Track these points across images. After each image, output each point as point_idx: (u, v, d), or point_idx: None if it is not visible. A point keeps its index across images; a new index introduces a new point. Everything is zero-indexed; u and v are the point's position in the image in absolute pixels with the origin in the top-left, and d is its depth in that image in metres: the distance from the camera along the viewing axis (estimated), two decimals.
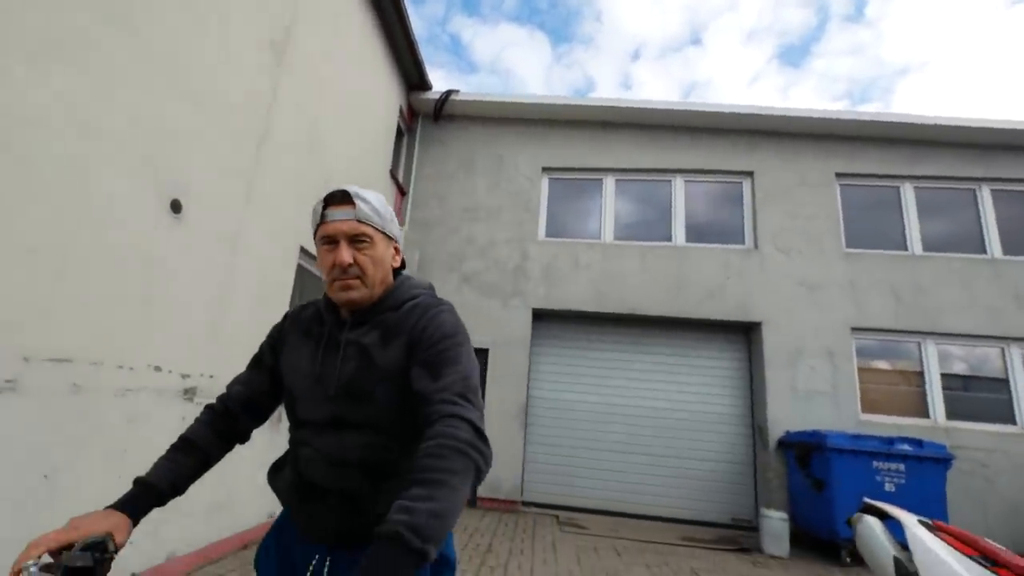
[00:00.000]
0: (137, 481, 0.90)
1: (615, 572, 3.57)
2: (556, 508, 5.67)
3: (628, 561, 3.90)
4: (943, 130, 5.96)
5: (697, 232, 6.30)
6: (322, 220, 0.98)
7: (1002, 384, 5.50)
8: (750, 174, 6.32)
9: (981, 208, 6.05)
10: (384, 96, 5.85)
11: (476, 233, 6.35)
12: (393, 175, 6.22)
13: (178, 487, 0.96)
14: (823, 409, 5.40)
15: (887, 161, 6.16)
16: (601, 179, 6.61)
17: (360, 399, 0.94)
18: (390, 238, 1.03)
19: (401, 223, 6.39)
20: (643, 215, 6.53)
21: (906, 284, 5.72)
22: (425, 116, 6.87)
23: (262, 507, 3.61)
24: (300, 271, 4.26)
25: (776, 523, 4.62)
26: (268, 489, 3.91)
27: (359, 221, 0.96)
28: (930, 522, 1.45)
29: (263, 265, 3.55)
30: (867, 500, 1.62)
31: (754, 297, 5.82)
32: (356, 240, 0.97)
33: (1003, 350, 5.55)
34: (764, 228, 6.06)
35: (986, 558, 1.28)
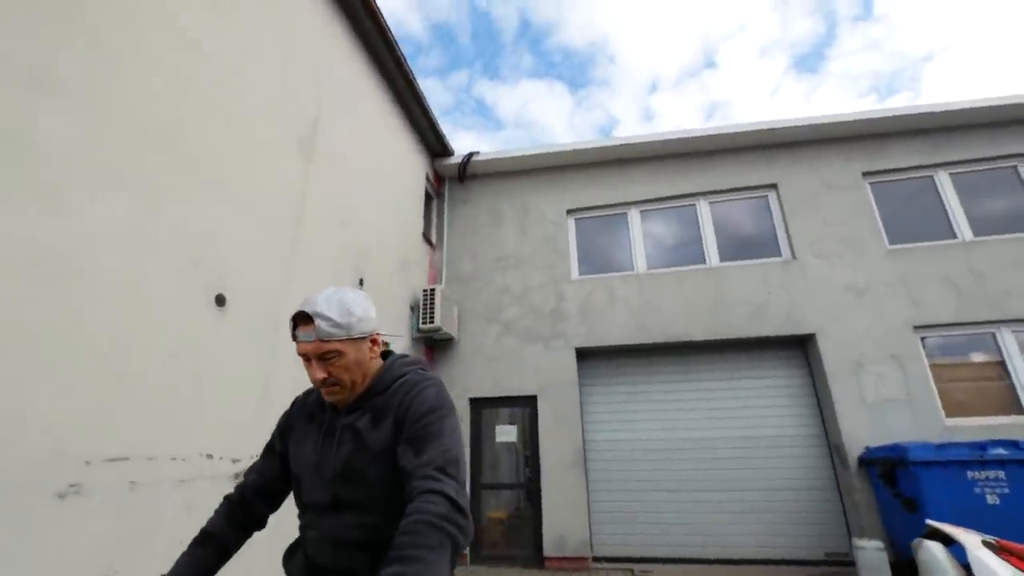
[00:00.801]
0: None
1: None
2: (629, 561, 5.34)
3: None
4: (967, 113, 5.84)
5: (731, 250, 6.24)
6: (293, 339, 1.05)
7: None
8: (774, 186, 6.30)
9: None
10: (410, 167, 6.26)
11: (510, 281, 6.51)
12: (426, 237, 6.53)
13: None
14: (901, 418, 5.04)
15: (913, 153, 6.03)
16: (625, 212, 6.73)
17: (354, 481, 0.99)
18: (361, 339, 1.06)
19: (436, 281, 6.63)
20: (674, 241, 6.55)
21: (963, 273, 5.43)
22: (451, 179, 7.27)
23: None
24: None
25: (872, 554, 4.23)
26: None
27: (321, 340, 1.01)
28: (994, 542, 1.36)
29: None
30: (930, 523, 1.53)
31: (801, 308, 5.64)
32: (323, 357, 1.02)
33: None
34: (799, 237, 5.96)
35: None
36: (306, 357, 1.04)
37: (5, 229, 1.88)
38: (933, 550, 1.49)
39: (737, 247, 6.25)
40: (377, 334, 1.11)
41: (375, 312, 1.12)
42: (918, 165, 6.02)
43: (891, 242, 5.80)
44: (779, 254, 6.06)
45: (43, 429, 1.94)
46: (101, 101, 2.32)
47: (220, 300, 2.94)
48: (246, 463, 3.00)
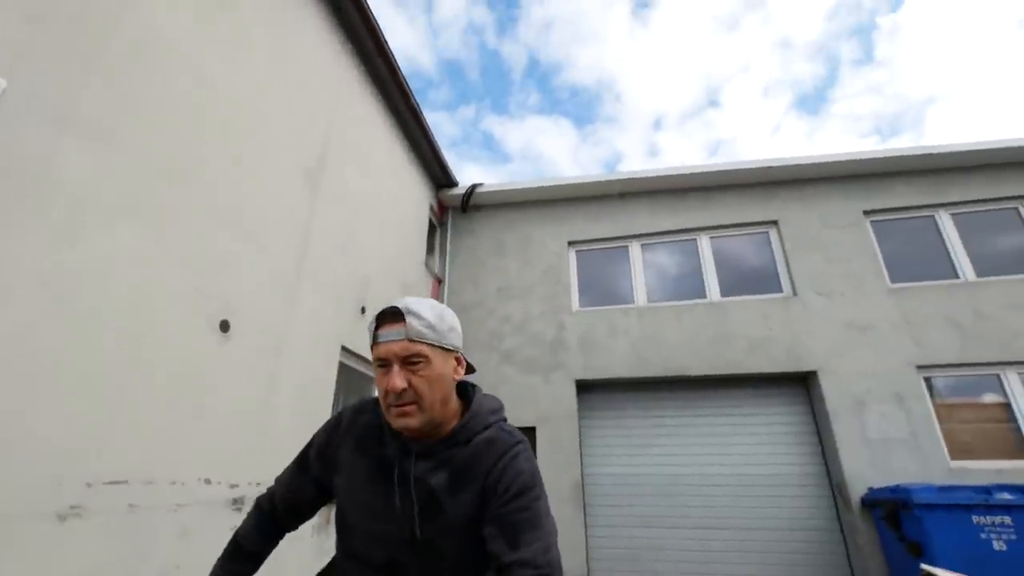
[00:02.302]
0: None
1: None
2: None
3: None
4: (967, 155, 5.90)
5: (732, 285, 6.27)
6: (374, 341, 0.91)
7: None
8: (775, 223, 6.37)
9: None
10: (414, 197, 6.43)
11: (511, 311, 6.57)
12: (428, 266, 6.64)
13: None
14: (905, 459, 4.96)
15: (915, 193, 6.09)
16: (627, 246, 6.81)
17: (425, 552, 0.88)
18: (449, 350, 0.94)
19: None
20: (674, 274, 6.60)
21: (966, 313, 5.41)
22: (455, 209, 7.43)
23: None
24: (342, 368, 4.51)
25: None
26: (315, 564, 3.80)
27: (411, 340, 0.89)
28: None
29: (305, 368, 3.79)
30: (924, 567, 1.54)
31: (802, 345, 5.62)
32: (409, 362, 0.89)
33: None
34: (800, 274, 5.98)
35: None
36: (385, 362, 0.90)
37: (17, 255, 1.96)
38: None
39: (738, 282, 6.28)
40: (462, 355, 0.98)
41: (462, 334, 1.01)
42: (919, 205, 6.06)
43: (893, 280, 5.80)
44: (780, 290, 6.08)
45: (47, 451, 2.00)
46: (119, 136, 2.44)
47: (224, 326, 3.01)
48: (244, 489, 3.03)
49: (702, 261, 6.47)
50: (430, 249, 7.06)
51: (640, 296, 6.46)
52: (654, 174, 6.64)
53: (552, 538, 0.85)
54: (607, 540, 5.52)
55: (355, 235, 4.77)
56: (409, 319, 0.89)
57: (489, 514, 0.85)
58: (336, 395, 4.30)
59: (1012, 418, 5.05)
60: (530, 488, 0.87)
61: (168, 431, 2.56)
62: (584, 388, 6.15)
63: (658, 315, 6.16)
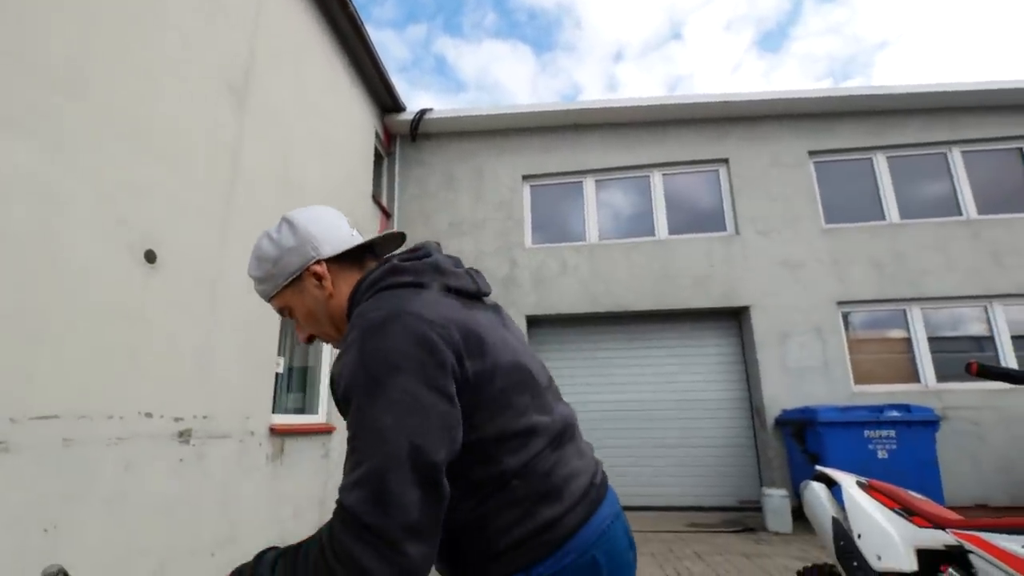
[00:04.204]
0: None
1: None
2: None
3: None
4: (907, 98, 6.07)
5: (679, 223, 6.44)
6: None
7: (988, 342, 5.64)
8: (725, 161, 6.45)
9: (954, 171, 6.16)
10: (358, 123, 5.99)
11: (464, 247, 6.50)
12: (376, 200, 6.37)
13: None
14: (816, 384, 5.54)
15: (857, 134, 6.27)
16: (581, 182, 6.75)
17: None
18: (295, 280, 0.85)
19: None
20: (626, 212, 6.67)
21: (887, 253, 5.85)
22: (403, 137, 7.01)
23: (271, 538, 3.77)
24: None
25: (777, 500, 4.78)
26: (275, 520, 4.09)
27: (269, 300, 0.88)
28: (865, 482, 1.60)
29: (247, 304, 3.67)
30: (818, 468, 1.79)
31: (740, 282, 5.96)
32: (285, 314, 0.89)
33: (986, 308, 5.68)
34: (744, 213, 6.19)
35: (906, 509, 1.44)
36: None
37: None
38: (816, 490, 1.76)
39: (685, 220, 6.44)
40: (316, 263, 0.83)
41: (306, 234, 0.84)
42: (860, 147, 6.27)
43: (827, 221, 6.12)
44: (724, 229, 6.30)
45: None
46: None
47: (150, 257, 2.86)
48: (190, 421, 3.06)
49: (653, 199, 6.54)
50: (377, 181, 6.72)
51: (592, 233, 6.53)
52: (610, 105, 6.46)
53: (366, 462, 0.60)
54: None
55: (291, 161, 4.46)
56: (255, 285, 0.89)
57: None
58: (281, 332, 4.23)
59: (910, 349, 5.69)
60: (351, 386, 0.65)
61: (99, 366, 2.49)
62: (535, 323, 6.34)
63: (608, 253, 6.29)
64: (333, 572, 0.58)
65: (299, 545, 0.67)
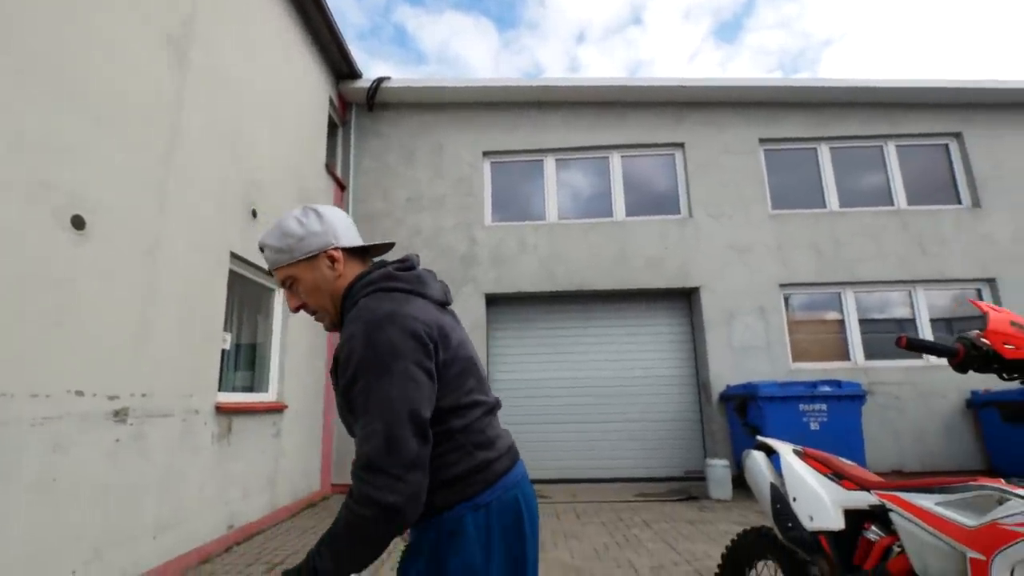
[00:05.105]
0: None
1: (573, 533, 3.89)
2: None
3: (586, 521, 4.24)
4: (850, 91, 6.38)
5: (636, 206, 6.56)
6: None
7: (910, 324, 6.14)
8: (681, 146, 6.59)
9: (888, 163, 6.57)
10: (311, 88, 5.68)
11: (422, 223, 6.37)
12: (330, 170, 6.10)
13: None
14: (758, 362, 5.87)
15: (805, 125, 6.55)
16: (541, 160, 6.72)
17: (349, 427, 0.95)
18: (313, 258, 1.00)
19: None
20: (585, 192, 6.72)
21: (826, 240, 6.21)
22: (359, 107, 6.72)
23: (219, 520, 3.65)
24: (235, 278, 4.20)
25: (719, 470, 5.08)
26: (223, 501, 3.98)
27: (276, 269, 1.01)
28: (801, 450, 1.72)
29: (189, 276, 3.49)
30: (758, 438, 1.88)
31: (691, 264, 6.17)
32: (287, 285, 1.02)
33: (910, 293, 6.17)
34: (697, 197, 6.38)
35: (836, 474, 1.55)
36: (282, 287, 1.05)
37: None
38: (756, 458, 1.86)
39: (642, 203, 6.57)
40: (334, 248, 1.01)
41: (331, 224, 1.02)
42: (806, 137, 6.57)
43: (773, 207, 6.41)
44: (678, 211, 6.48)
45: None
46: None
47: (77, 223, 2.63)
48: (127, 400, 2.89)
49: (612, 180, 6.62)
50: (332, 151, 6.44)
51: (551, 213, 6.55)
52: (572, 83, 6.43)
53: (378, 421, 0.81)
54: (513, 436, 6.08)
55: (238, 126, 4.19)
56: (265, 253, 1.02)
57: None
58: (228, 306, 4.03)
59: (843, 330, 6.12)
60: (357, 368, 0.85)
61: (20, 341, 2.30)
62: (493, 301, 6.34)
63: (567, 232, 6.34)
64: (361, 516, 0.79)
65: (335, 522, 0.84)
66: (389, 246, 1.13)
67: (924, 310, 6.11)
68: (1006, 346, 1.10)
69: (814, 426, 4.98)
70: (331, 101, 6.23)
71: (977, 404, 5.49)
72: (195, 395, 3.48)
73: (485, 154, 6.66)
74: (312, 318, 1.07)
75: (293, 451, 4.84)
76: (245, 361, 4.60)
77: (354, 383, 0.85)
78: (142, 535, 2.94)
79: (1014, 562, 0.98)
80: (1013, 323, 1.11)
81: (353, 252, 1.06)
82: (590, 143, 6.61)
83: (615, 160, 6.67)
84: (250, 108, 4.37)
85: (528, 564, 0.97)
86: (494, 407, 1.05)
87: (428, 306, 0.97)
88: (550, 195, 6.61)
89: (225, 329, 4.00)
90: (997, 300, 5.99)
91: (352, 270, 1.04)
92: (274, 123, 4.80)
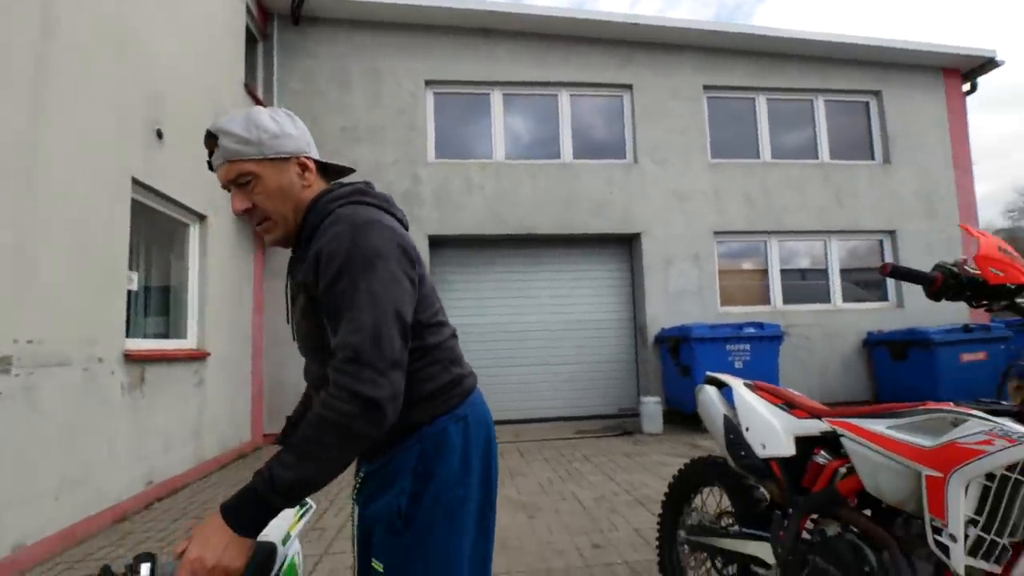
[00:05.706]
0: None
1: (519, 470, 4.00)
2: None
3: (529, 459, 4.38)
4: (789, 42, 6.53)
5: (583, 149, 6.45)
6: (210, 169, 0.93)
7: (821, 273, 6.69)
8: (629, 87, 6.47)
9: (816, 117, 6.89)
10: None
11: (359, 156, 5.86)
12: (250, 90, 5.37)
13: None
14: (691, 306, 6.18)
15: (746, 73, 6.64)
16: (488, 94, 6.34)
17: (308, 348, 0.95)
18: (284, 159, 0.91)
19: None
20: (533, 133, 6.48)
21: (757, 190, 6.49)
22: (282, 18, 5.89)
23: (135, 475, 3.35)
24: (140, 209, 3.66)
25: (651, 406, 5.41)
26: (141, 456, 3.65)
27: (230, 162, 0.88)
28: (752, 383, 1.79)
29: (80, 203, 2.97)
30: (708, 373, 1.94)
31: (634, 209, 6.24)
32: (240, 183, 0.90)
33: (825, 243, 6.68)
34: (643, 142, 6.36)
35: (787, 404, 1.63)
36: (225, 187, 0.92)
37: None
38: (709, 391, 1.94)
39: (589, 145, 6.47)
40: (307, 157, 0.94)
41: (304, 132, 0.96)
42: (746, 86, 6.67)
43: (712, 156, 6.56)
44: (624, 156, 6.45)
45: None
46: None
47: None
48: (10, 347, 2.49)
49: (560, 120, 6.42)
50: (252, 68, 5.64)
51: (499, 151, 6.27)
52: (519, 11, 6.03)
53: (364, 315, 0.79)
54: None
55: (134, 26, 3.51)
56: (221, 140, 0.88)
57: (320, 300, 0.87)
58: (132, 241, 3.50)
59: (766, 277, 6.55)
60: (342, 263, 0.82)
61: None
62: (437, 244, 6.10)
63: (515, 172, 6.13)
64: (341, 412, 0.75)
65: (301, 428, 0.78)
66: (350, 170, 1.08)
67: (835, 260, 6.66)
68: (992, 271, 1.13)
69: (738, 364, 5.38)
70: (248, 9, 5.39)
71: (871, 343, 6.19)
72: (98, 342, 3.06)
73: (428, 83, 6.16)
74: (251, 228, 0.95)
75: (219, 400, 4.51)
76: (158, 305, 4.12)
77: (338, 279, 0.82)
78: (44, 495, 2.62)
79: (970, 478, 1.04)
80: (1000, 248, 1.14)
81: (320, 169, 1.00)
82: (539, 78, 6.31)
83: (563, 99, 6.43)
84: (148, 6, 3.66)
85: (494, 481, 1.02)
86: (455, 333, 1.07)
87: (398, 224, 0.96)
88: (497, 132, 6.30)
89: (131, 268, 3.51)
90: (896, 251, 6.65)
91: (318, 184, 0.99)
92: (177, 27, 4.07)
